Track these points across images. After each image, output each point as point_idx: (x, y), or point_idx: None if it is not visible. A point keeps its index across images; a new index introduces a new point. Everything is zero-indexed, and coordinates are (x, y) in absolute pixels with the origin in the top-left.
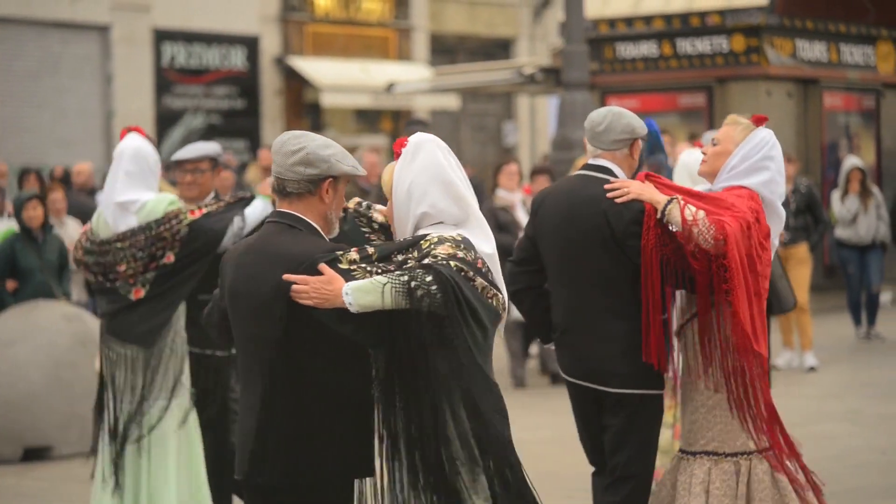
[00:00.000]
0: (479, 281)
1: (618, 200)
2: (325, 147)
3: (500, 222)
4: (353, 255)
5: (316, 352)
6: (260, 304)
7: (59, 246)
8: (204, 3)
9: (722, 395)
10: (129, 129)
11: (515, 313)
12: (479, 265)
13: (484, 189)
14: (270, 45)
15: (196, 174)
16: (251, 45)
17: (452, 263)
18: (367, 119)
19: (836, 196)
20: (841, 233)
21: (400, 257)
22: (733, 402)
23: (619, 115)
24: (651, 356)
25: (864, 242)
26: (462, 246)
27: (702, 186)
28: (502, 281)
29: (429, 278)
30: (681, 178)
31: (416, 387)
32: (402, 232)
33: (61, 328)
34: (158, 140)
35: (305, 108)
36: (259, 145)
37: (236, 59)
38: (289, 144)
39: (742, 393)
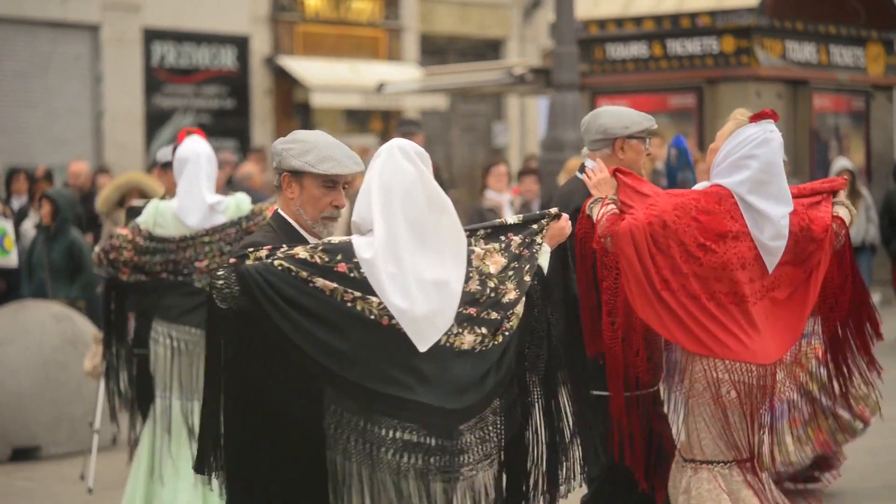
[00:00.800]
0: (322, 282)
1: (583, 178)
2: (288, 141)
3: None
4: (263, 252)
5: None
6: None
7: (65, 246)
8: (194, 3)
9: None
10: (188, 132)
11: None
12: (339, 268)
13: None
14: (260, 45)
15: None
16: (241, 44)
17: (277, 263)
18: (357, 119)
19: None
20: None
21: None
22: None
23: (597, 116)
24: (588, 349)
25: (854, 244)
26: (320, 248)
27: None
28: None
29: (233, 277)
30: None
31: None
32: None
33: (50, 328)
34: (148, 139)
35: (295, 108)
36: (249, 145)
37: (226, 58)
38: (283, 140)
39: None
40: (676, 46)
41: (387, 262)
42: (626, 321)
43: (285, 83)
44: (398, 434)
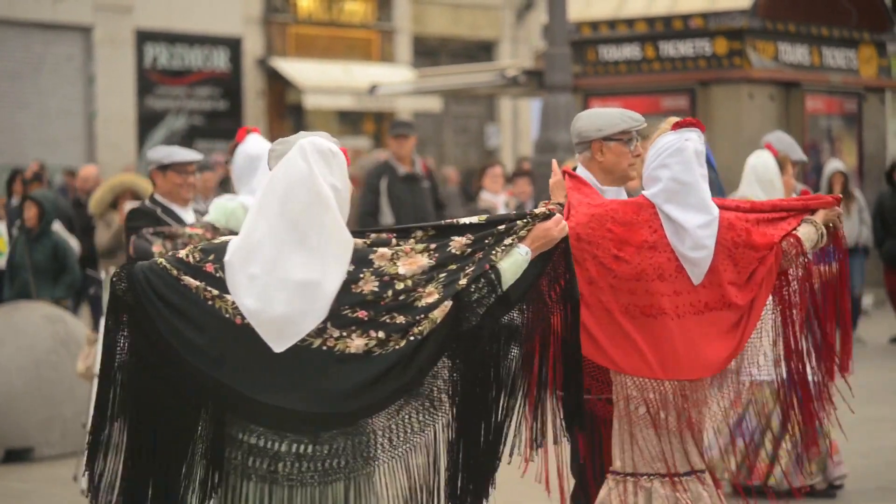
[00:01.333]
0: (189, 280)
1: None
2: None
3: None
4: (185, 251)
5: None
6: None
7: (50, 247)
8: (186, 5)
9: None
10: (248, 130)
11: None
12: (207, 268)
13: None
14: (253, 47)
15: (192, 176)
16: (234, 46)
17: (160, 261)
18: (350, 121)
19: None
20: None
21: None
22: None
23: (576, 119)
24: None
25: (847, 246)
26: (199, 247)
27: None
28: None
29: (123, 274)
30: (748, 181)
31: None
32: None
33: (42, 329)
34: (140, 141)
35: (288, 110)
36: None
37: (219, 60)
38: None
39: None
40: (669, 48)
41: (247, 263)
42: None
43: (278, 85)
44: (246, 437)
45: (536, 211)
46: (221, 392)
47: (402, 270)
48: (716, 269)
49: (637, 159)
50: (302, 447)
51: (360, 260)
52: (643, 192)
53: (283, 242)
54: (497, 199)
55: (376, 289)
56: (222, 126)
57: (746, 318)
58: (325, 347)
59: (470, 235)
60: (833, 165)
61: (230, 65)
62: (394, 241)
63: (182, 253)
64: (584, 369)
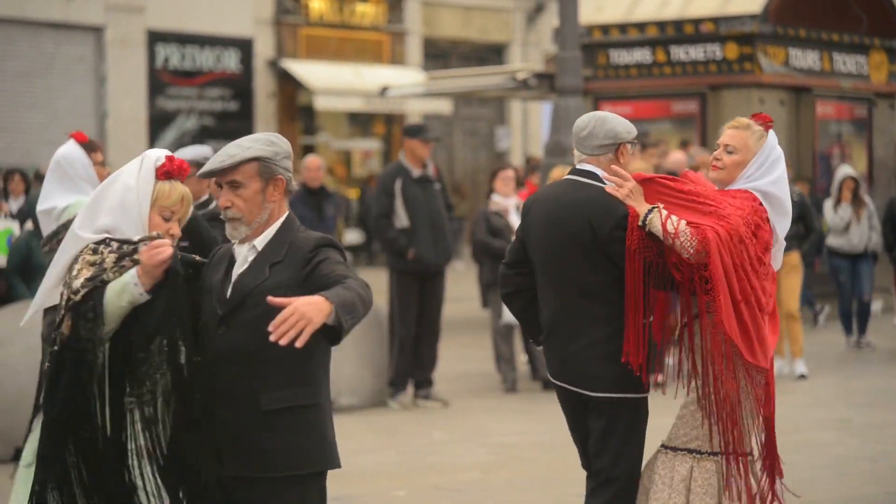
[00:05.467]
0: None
1: (609, 190)
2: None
3: (493, 226)
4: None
5: None
6: None
7: None
8: (198, 6)
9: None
10: (70, 136)
11: (507, 317)
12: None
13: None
14: (264, 48)
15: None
16: (245, 47)
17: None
18: (360, 122)
19: (828, 205)
20: (833, 241)
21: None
22: (702, 407)
23: (603, 121)
24: (631, 359)
25: (856, 251)
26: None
27: None
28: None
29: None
30: None
31: None
32: None
33: None
34: (151, 141)
35: (298, 111)
36: None
37: (230, 61)
38: None
39: (713, 400)
40: (680, 52)
41: None
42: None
43: (289, 86)
44: None
45: (152, 234)
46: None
47: (75, 284)
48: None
49: (644, 161)
50: None
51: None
52: (752, 186)
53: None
54: (508, 201)
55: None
56: (233, 127)
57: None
58: None
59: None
60: (844, 171)
61: (241, 66)
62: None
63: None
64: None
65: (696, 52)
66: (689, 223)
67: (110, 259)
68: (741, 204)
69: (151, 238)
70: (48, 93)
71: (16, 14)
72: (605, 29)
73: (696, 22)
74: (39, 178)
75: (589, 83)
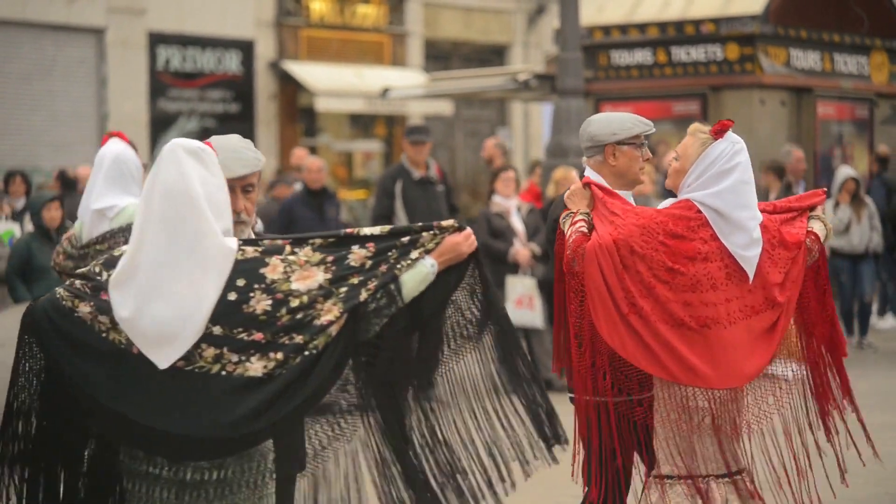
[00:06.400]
0: (83, 310)
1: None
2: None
3: (494, 228)
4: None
5: None
6: None
7: None
8: (199, 7)
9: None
10: (111, 135)
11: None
12: (103, 295)
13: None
14: (265, 50)
15: None
16: (246, 49)
17: (59, 291)
18: (362, 124)
19: (829, 205)
20: (834, 242)
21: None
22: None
23: (588, 124)
24: (554, 364)
25: (857, 252)
26: (100, 263)
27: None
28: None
29: (28, 309)
30: None
31: None
32: None
33: None
34: (152, 144)
35: (300, 113)
36: None
37: (231, 62)
38: None
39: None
40: (681, 53)
41: (128, 280)
42: (592, 344)
43: (290, 88)
44: (147, 467)
45: (444, 224)
46: (119, 424)
47: (295, 286)
48: (760, 271)
49: (647, 163)
50: (205, 474)
51: (250, 274)
52: (689, 196)
53: (162, 255)
54: (509, 203)
55: (269, 308)
56: (234, 129)
57: (785, 317)
58: (224, 373)
59: (371, 247)
60: (845, 172)
61: (242, 68)
62: (288, 248)
63: (85, 270)
64: (621, 371)
65: (697, 53)
66: (579, 232)
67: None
68: (650, 213)
69: (443, 226)
70: (49, 95)
71: (17, 16)
72: (606, 30)
73: (697, 23)
74: (64, 178)
75: (590, 84)
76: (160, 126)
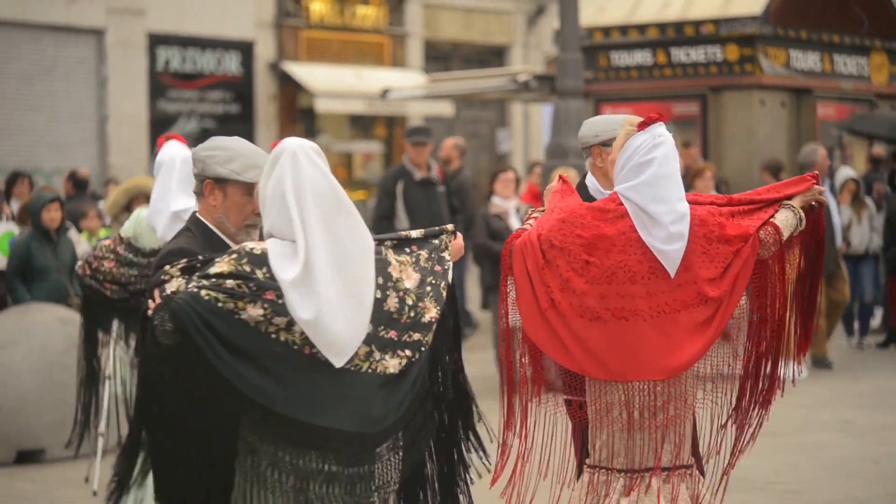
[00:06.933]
0: (249, 314)
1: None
2: (207, 148)
3: (492, 229)
4: (176, 269)
5: None
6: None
7: (71, 248)
8: (199, 8)
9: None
10: (167, 137)
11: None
12: (268, 295)
13: (471, 193)
14: (265, 51)
15: None
16: (246, 50)
17: (204, 293)
18: (362, 125)
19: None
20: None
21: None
22: None
23: (582, 126)
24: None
25: (857, 253)
26: (245, 261)
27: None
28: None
29: (166, 315)
30: None
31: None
32: None
33: (55, 331)
34: (152, 144)
35: (299, 114)
36: None
37: (231, 63)
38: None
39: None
40: (680, 54)
41: (306, 281)
42: (523, 340)
43: (290, 89)
44: (325, 466)
45: (448, 227)
46: (290, 426)
47: (407, 285)
48: (690, 267)
49: None
50: (364, 469)
51: (382, 272)
52: (615, 191)
53: (329, 255)
54: (508, 203)
55: (397, 306)
56: (234, 130)
57: (722, 312)
58: (370, 370)
59: (424, 249)
60: (845, 172)
61: (242, 69)
62: (383, 250)
63: (230, 282)
64: (562, 372)
65: (696, 54)
66: (520, 230)
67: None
68: (572, 207)
69: (448, 230)
70: (49, 95)
71: (17, 17)
72: (605, 31)
73: (697, 24)
74: (75, 179)
75: (590, 85)
76: (160, 126)
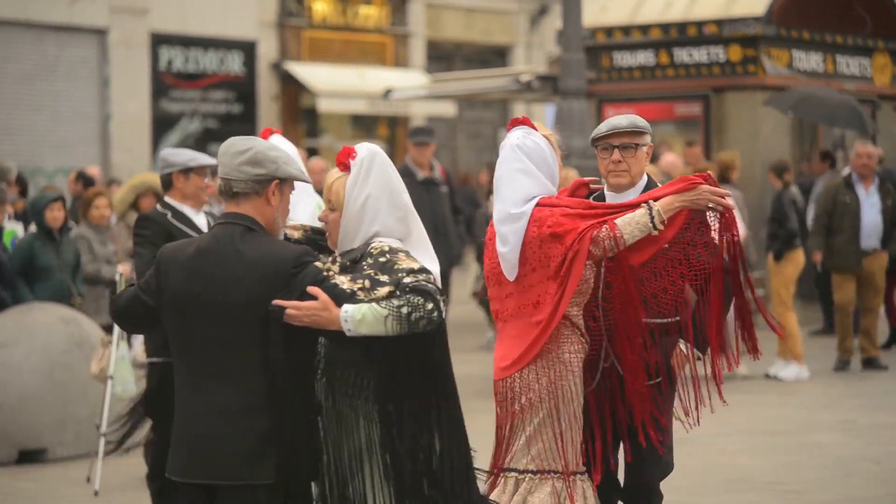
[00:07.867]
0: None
1: None
2: (271, 149)
3: None
4: (329, 264)
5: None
6: (230, 308)
7: (74, 248)
8: (201, 8)
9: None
10: (271, 131)
11: None
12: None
13: (475, 196)
14: (268, 50)
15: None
16: (248, 49)
17: (423, 277)
18: (364, 125)
19: None
20: None
21: (367, 270)
22: None
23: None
24: None
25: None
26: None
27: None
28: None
29: (428, 305)
30: None
31: (414, 404)
32: (347, 245)
33: (57, 330)
34: (154, 144)
35: (302, 114)
36: None
37: (233, 63)
38: (237, 145)
39: None
40: (683, 55)
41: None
42: None
43: (292, 88)
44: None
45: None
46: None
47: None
48: (530, 265)
49: (618, 165)
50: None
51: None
52: None
53: (406, 244)
54: None
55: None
56: (236, 129)
57: (547, 310)
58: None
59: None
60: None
61: (244, 68)
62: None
63: (419, 266)
64: None
65: (699, 55)
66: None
67: None
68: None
69: None
70: (52, 95)
71: (19, 16)
72: (608, 31)
73: (700, 24)
74: (84, 178)
75: (592, 85)
76: (162, 126)
